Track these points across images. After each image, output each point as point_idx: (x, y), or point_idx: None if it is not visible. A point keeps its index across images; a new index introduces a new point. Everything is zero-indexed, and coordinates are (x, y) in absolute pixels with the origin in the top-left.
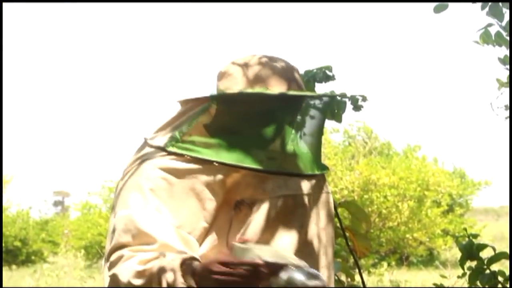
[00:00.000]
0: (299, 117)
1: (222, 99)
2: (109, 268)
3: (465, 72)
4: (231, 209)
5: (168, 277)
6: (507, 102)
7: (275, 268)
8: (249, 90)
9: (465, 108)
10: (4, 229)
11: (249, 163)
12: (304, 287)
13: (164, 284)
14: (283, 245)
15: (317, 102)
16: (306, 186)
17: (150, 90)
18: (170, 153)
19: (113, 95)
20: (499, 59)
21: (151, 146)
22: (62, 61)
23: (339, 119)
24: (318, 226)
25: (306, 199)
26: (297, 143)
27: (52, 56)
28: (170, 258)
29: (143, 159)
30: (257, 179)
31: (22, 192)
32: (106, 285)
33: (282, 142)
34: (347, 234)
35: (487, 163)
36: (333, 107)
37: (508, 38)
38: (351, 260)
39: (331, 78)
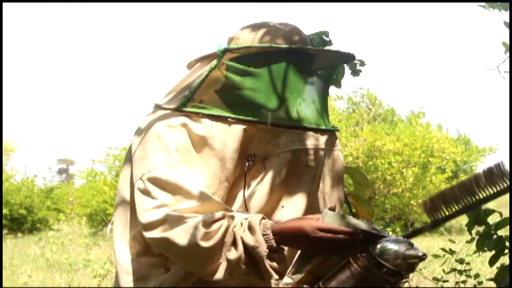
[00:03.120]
0: (307, 75)
1: (230, 54)
2: (150, 229)
3: (470, 37)
4: (243, 163)
5: (246, 237)
6: None
7: (370, 237)
8: (255, 44)
9: (469, 74)
10: (9, 197)
11: (262, 118)
12: (399, 258)
13: (240, 245)
14: (295, 198)
15: (324, 60)
16: (319, 140)
17: (155, 57)
18: (184, 113)
19: (118, 62)
20: (505, 23)
21: (164, 109)
22: (68, 29)
23: (338, 85)
24: (330, 182)
25: (319, 154)
26: (308, 100)
27: (58, 24)
28: (242, 217)
29: (159, 121)
30: (270, 134)
31: (27, 160)
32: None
33: (293, 97)
34: (350, 199)
35: (492, 129)
36: (338, 67)
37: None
38: None
39: (328, 43)
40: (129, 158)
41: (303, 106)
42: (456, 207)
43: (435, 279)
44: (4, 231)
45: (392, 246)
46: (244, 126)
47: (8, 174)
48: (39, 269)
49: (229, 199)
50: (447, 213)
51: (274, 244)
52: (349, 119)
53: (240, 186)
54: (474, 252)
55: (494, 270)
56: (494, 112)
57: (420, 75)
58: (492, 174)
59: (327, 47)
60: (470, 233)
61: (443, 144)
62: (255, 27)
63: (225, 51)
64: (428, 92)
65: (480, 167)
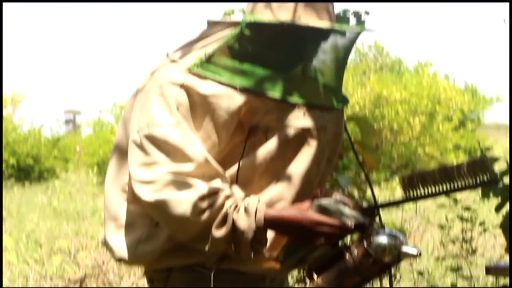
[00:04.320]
0: (324, 49)
1: (252, 25)
2: (140, 186)
3: None
4: (244, 133)
5: (240, 220)
6: None
7: (362, 226)
8: (280, 19)
9: (477, 24)
10: (16, 147)
11: (270, 91)
12: (395, 253)
13: (229, 226)
14: (291, 175)
15: (344, 34)
16: (323, 119)
17: (165, 7)
18: (194, 74)
19: (126, 11)
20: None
21: (175, 62)
22: None
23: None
24: (326, 159)
25: (322, 132)
26: (321, 75)
27: None
28: (239, 198)
29: (166, 76)
30: (276, 108)
31: (34, 111)
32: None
33: (305, 73)
34: (356, 147)
35: (498, 79)
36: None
37: None
38: (363, 175)
39: None
40: (131, 103)
41: (315, 82)
42: (433, 189)
43: (441, 226)
44: (11, 181)
45: (386, 241)
46: (250, 97)
47: (15, 124)
48: (46, 217)
49: (225, 165)
50: (422, 193)
51: (262, 228)
52: (356, 69)
53: (239, 153)
54: (480, 200)
55: (500, 217)
56: (501, 62)
57: (427, 25)
58: (475, 167)
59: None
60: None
61: (450, 93)
62: None
63: (248, 23)
64: (435, 42)
65: (487, 116)
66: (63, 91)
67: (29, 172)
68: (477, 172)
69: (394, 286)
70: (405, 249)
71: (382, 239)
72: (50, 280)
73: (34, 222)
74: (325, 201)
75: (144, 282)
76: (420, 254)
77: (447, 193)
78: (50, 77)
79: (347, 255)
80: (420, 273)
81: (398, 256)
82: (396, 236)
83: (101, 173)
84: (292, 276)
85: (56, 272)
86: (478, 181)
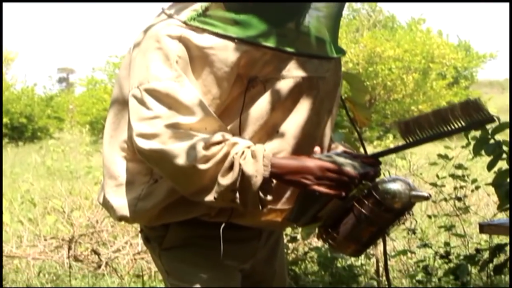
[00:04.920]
0: (317, 5)
1: None
2: (144, 139)
3: None
4: (244, 84)
5: (247, 165)
6: None
7: (368, 177)
8: None
9: None
10: (9, 106)
11: (269, 42)
12: (406, 199)
13: (236, 172)
14: (290, 125)
15: None
16: (322, 69)
17: None
18: (191, 27)
19: None
20: None
21: (171, 17)
22: None
23: None
24: (327, 110)
25: (320, 82)
26: (317, 24)
27: None
28: (245, 145)
29: (164, 30)
30: (275, 59)
31: (27, 69)
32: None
33: (299, 28)
34: (348, 104)
35: (492, 35)
36: None
37: None
38: (356, 133)
39: None
40: (127, 60)
41: (312, 31)
42: (430, 133)
43: (433, 184)
44: (5, 140)
45: (394, 187)
46: (249, 48)
47: (8, 83)
48: (40, 177)
49: (225, 119)
50: (420, 137)
51: (268, 176)
52: (349, 26)
53: (238, 106)
54: (473, 158)
55: (492, 174)
56: (495, 19)
57: None
58: (468, 107)
59: None
60: (467, 138)
61: (444, 50)
62: None
63: None
64: None
65: (480, 73)
66: (56, 49)
67: (23, 131)
68: (471, 113)
69: (387, 245)
70: (415, 193)
71: (390, 186)
72: (44, 240)
73: (28, 181)
74: (325, 155)
75: (137, 240)
76: (430, 197)
77: (444, 135)
78: (43, 35)
79: (358, 207)
80: (413, 232)
81: (409, 201)
82: (403, 181)
83: (94, 132)
84: (286, 234)
85: (50, 231)
86: (473, 121)
